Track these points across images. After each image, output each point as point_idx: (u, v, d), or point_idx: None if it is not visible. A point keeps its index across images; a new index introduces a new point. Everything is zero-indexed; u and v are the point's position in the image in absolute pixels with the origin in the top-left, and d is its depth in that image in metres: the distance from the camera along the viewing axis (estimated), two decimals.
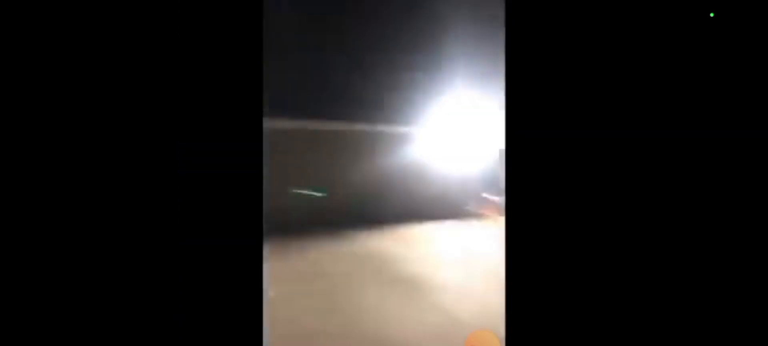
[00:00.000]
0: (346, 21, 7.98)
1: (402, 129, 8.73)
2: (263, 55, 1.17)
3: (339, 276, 4.62)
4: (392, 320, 3.41)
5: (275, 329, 3.10)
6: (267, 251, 1.38)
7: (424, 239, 7.14)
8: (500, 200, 9.58)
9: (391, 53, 8.39)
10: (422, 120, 8.91)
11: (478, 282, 4.66)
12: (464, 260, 5.85)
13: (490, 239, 7.83)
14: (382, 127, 8.42)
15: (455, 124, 10.00)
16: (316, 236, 6.60)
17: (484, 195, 9.40)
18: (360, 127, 8.16)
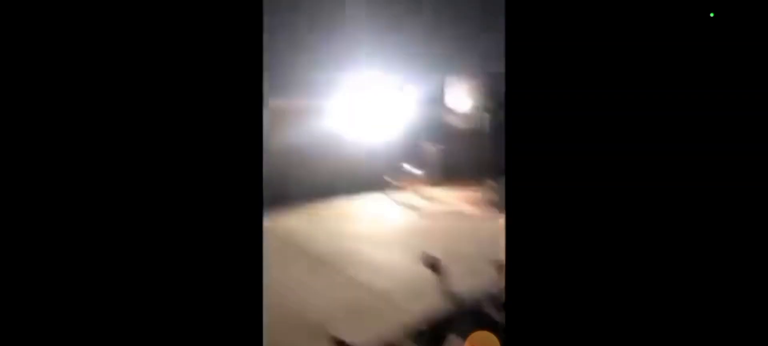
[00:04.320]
0: None
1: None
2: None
3: None
4: (306, 296, 3.39)
5: None
6: None
7: (334, 215, 7.24)
8: (421, 171, 10.06)
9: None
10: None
11: (393, 253, 4.90)
12: (377, 233, 6.04)
13: (404, 209, 8.28)
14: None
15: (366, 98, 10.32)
16: None
17: (405, 166, 9.75)
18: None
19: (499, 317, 2.39)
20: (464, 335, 2.21)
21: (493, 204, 8.19)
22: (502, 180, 7.05)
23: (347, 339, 2.28)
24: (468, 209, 8.24)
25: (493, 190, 8.49)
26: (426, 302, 3.08)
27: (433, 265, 3.02)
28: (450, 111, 9.08)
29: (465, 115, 8.82)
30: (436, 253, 4.70)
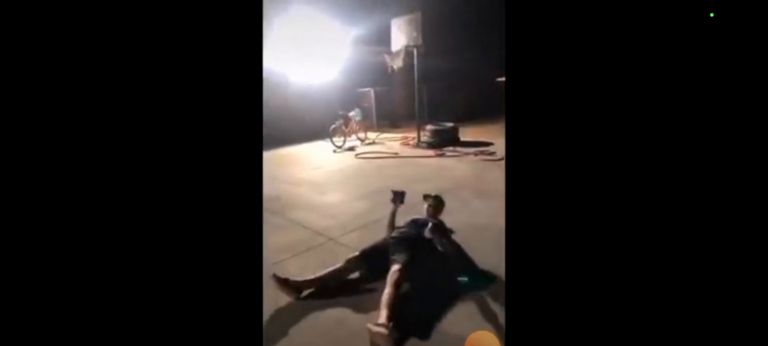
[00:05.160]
0: None
1: None
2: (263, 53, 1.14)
3: None
4: None
5: None
6: None
7: (276, 162, 7.39)
8: (360, 116, 10.17)
9: None
10: None
11: (331, 195, 5.00)
12: (317, 177, 6.16)
13: (343, 153, 8.40)
14: None
15: None
16: None
17: (340, 112, 9.81)
18: None
19: (430, 235, 2.67)
20: (399, 260, 2.37)
21: (426, 145, 8.54)
22: (435, 124, 7.22)
23: (290, 277, 2.40)
24: (403, 150, 8.53)
25: (426, 132, 8.79)
26: (362, 235, 3.31)
27: (397, 195, 3.19)
28: (393, 55, 8.95)
29: (406, 59, 8.74)
30: (371, 191, 5.01)
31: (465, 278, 2.42)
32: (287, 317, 2.23)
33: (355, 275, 2.59)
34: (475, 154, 7.31)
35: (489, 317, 2.14)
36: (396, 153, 8.12)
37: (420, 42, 8.21)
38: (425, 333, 2.01)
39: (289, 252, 3.13)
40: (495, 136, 8.98)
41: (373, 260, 2.56)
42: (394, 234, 2.77)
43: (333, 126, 9.30)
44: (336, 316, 2.23)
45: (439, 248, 2.69)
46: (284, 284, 2.38)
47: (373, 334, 1.90)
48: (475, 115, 12.64)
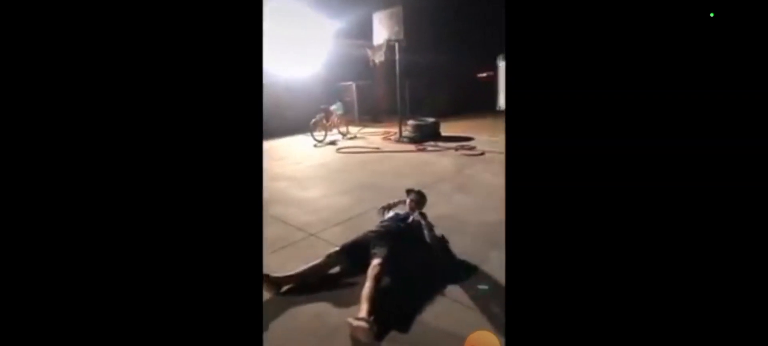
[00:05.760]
0: None
1: None
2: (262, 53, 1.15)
3: None
4: None
5: None
6: None
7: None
8: (342, 110, 10.08)
9: None
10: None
11: (312, 190, 4.92)
12: (298, 172, 6.09)
13: (325, 148, 8.32)
14: None
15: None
16: None
17: (322, 106, 9.71)
18: None
19: (418, 217, 2.76)
20: (379, 254, 2.36)
21: (408, 140, 8.54)
22: (416, 119, 7.26)
23: (271, 273, 2.37)
24: (385, 145, 8.50)
25: (408, 127, 8.79)
26: (343, 230, 3.25)
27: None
28: (375, 49, 8.85)
29: (388, 54, 8.66)
30: (353, 186, 4.97)
31: (486, 287, 2.37)
32: (267, 313, 2.17)
33: (336, 269, 2.55)
34: (456, 149, 7.33)
35: (475, 313, 2.13)
36: (378, 148, 8.08)
37: (402, 36, 8.16)
38: (406, 326, 1.99)
39: (269, 248, 3.06)
40: (475, 131, 9.03)
41: (353, 255, 2.52)
42: (374, 228, 2.75)
43: (314, 120, 9.18)
44: (316, 311, 2.19)
45: (425, 233, 2.70)
46: (264, 279, 2.32)
47: (353, 328, 1.88)
48: (456, 110, 12.70)
